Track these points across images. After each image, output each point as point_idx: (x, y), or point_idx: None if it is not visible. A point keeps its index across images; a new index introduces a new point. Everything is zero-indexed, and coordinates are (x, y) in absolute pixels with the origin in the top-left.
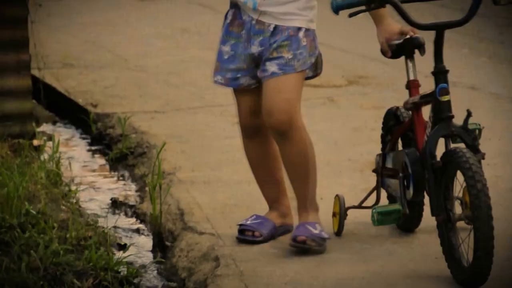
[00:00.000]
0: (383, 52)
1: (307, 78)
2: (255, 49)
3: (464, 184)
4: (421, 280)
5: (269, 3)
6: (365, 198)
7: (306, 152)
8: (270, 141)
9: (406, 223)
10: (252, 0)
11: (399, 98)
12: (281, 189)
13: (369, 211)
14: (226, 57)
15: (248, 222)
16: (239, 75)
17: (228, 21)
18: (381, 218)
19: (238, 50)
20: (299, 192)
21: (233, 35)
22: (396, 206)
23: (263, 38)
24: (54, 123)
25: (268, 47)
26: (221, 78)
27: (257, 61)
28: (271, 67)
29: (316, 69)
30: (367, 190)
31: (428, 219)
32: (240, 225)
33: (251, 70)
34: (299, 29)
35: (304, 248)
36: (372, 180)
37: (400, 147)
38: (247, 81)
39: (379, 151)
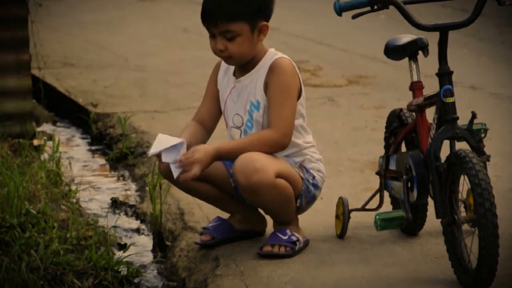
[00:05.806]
0: None
1: None
2: None
3: (468, 186)
4: (421, 280)
5: None
6: (368, 201)
7: (288, 197)
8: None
9: (409, 227)
10: None
11: (399, 98)
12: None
13: (370, 212)
14: None
15: (210, 225)
16: None
17: None
18: (384, 224)
19: None
20: (276, 219)
21: None
22: (400, 213)
23: None
24: (54, 123)
25: None
26: None
27: None
28: None
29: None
30: (367, 190)
31: (428, 219)
32: (203, 228)
33: None
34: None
35: (272, 255)
36: (373, 180)
37: (403, 150)
38: None
39: (380, 151)
